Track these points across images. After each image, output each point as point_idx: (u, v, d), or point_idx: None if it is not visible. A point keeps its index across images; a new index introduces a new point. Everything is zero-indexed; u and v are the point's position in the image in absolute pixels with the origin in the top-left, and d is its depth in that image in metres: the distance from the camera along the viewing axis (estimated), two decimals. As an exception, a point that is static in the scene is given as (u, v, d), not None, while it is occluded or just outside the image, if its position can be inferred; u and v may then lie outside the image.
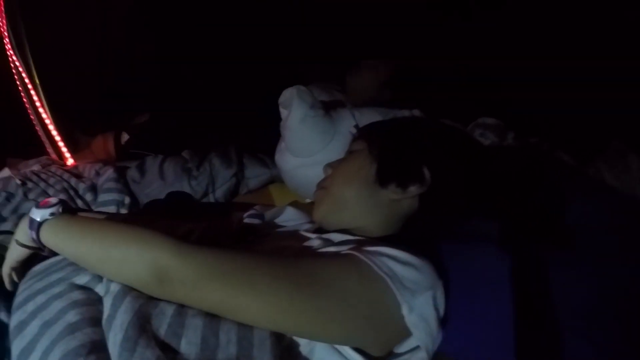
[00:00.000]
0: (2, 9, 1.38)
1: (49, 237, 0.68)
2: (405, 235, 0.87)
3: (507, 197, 1.06)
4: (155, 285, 0.60)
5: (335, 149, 1.15)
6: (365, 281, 0.65)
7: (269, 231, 0.92)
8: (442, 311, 0.68)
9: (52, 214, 0.69)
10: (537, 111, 1.63)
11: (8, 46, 1.45)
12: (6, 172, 1.38)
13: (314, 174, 1.17)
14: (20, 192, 1.23)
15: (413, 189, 0.81)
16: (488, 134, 1.32)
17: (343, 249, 0.73)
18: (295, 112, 1.15)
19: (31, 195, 1.22)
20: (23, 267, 0.77)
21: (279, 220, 1.00)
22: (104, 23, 1.89)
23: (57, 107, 1.66)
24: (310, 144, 1.15)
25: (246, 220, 0.98)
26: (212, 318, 0.61)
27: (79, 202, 1.22)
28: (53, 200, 0.71)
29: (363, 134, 0.94)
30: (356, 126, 1.17)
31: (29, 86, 1.47)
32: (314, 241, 0.80)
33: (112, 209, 1.20)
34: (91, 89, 1.85)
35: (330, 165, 0.92)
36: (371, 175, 0.84)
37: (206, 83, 1.81)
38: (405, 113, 1.22)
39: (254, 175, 1.32)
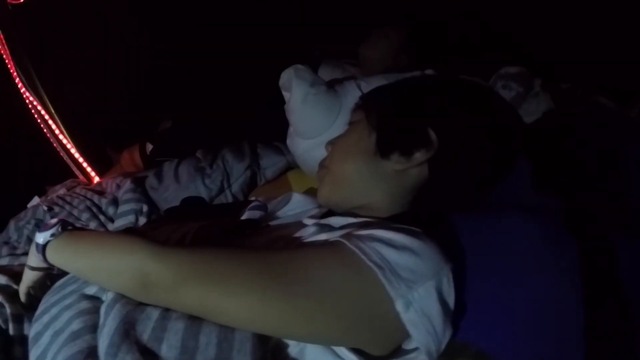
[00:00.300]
0: (7, 50, 1.40)
1: (53, 257, 0.69)
2: (418, 210, 0.76)
3: (539, 153, 0.92)
4: (140, 291, 0.60)
5: (343, 125, 1.05)
6: (351, 274, 0.56)
7: (269, 223, 0.84)
8: (452, 301, 0.58)
9: (52, 235, 0.69)
10: (565, 55, 1.45)
11: (20, 85, 1.48)
12: (35, 200, 1.41)
13: (324, 155, 1.08)
14: (48, 218, 1.24)
15: (418, 156, 0.70)
16: (512, 84, 1.17)
17: (336, 235, 0.64)
18: (296, 93, 1.06)
19: (58, 219, 1.23)
20: (42, 287, 0.77)
21: (284, 210, 0.92)
22: (117, 39, 1.89)
23: (79, 130, 1.69)
24: (316, 124, 1.06)
25: (247, 214, 0.91)
26: (194, 321, 0.58)
27: (102, 218, 1.20)
28: (53, 221, 0.71)
29: (361, 102, 0.84)
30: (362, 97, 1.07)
31: (46, 117, 1.50)
32: (309, 229, 0.71)
33: (130, 218, 1.17)
34: (113, 104, 1.85)
35: (331, 142, 0.83)
36: (371, 146, 0.74)
37: (222, 79, 1.75)
38: (416, 73, 1.09)
39: (270, 164, 1.25)
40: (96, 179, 1.50)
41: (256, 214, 0.92)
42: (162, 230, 0.88)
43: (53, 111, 1.49)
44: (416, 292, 0.54)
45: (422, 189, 0.74)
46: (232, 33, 1.89)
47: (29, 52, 1.51)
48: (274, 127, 1.33)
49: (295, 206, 0.92)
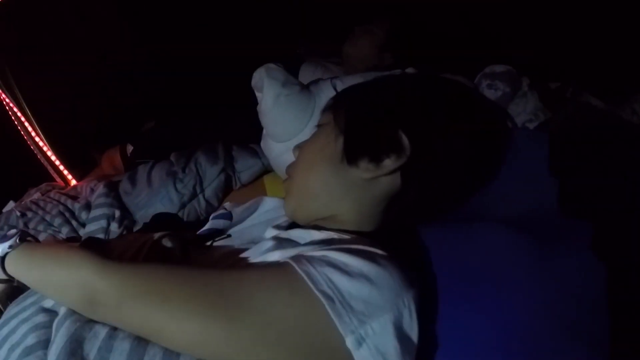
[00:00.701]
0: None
1: (10, 269, 0.65)
2: (390, 222, 0.68)
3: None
4: (87, 308, 0.57)
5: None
6: (297, 302, 0.49)
7: (231, 232, 0.76)
8: (415, 334, 0.50)
9: (10, 247, 0.65)
10: (554, 52, 1.35)
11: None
12: (10, 205, 1.33)
13: (297, 159, 1.00)
14: (20, 224, 1.16)
15: (389, 162, 0.62)
16: (498, 83, 1.07)
17: (290, 254, 0.56)
18: (267, 93, 0.98)
19: (31, 225, 1.14)
20: (10, 298, 0.72)
21: (253, 217, 0.84)
22: (97, 38, 1.80)
23: (59, 131, 1.62)
24: (288, 126, 0.97)
25: (210, 224, 0.82)
26: (140, 342, 0.55)
27: (74, 223, 1.13)
28: (12, 232, 0.68)
29: (329, 103, 0.75)
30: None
31: (22, 118, 1.42)
32: (266, 243, 0.63)
33: (102, 223, 1.09)
34: (94, 105, 1.76)
35: (298, 147, 0.75)
36: (337, 153, 0.66)
37: (205, 78, 1.67)
38: (397, 72, 1.00)
39: (245, 167, 1.16)
40: (73, 182, 1.42)
41: (219, 223, 0.84)
42: (123, 241, 0.80)
43: (29, 112, 1.41)
44: (370, 327, 0.47)
45: (394, 199, 0.66)
46: (215, 31, 1.80)
47: (6, 52, 1.44)
48: (252, 128, 1.25)
49: (264, 213, 0.84)
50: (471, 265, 0.64)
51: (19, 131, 1.41)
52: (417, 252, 0.69)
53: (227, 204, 1.15)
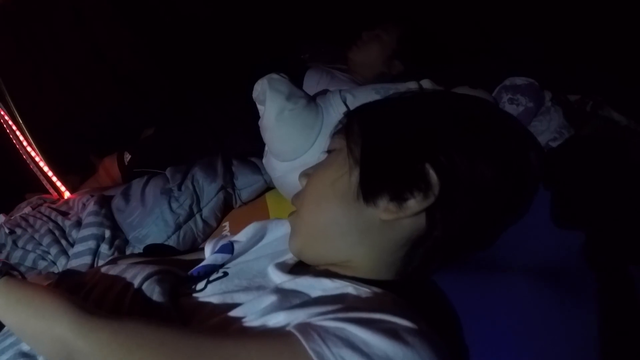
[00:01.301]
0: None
1: None
2: (411, 271, 0.56)
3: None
4: None
5: (325, 146, 0.84)
6: None
7: (226, 272, 0.63)
8: None
9: None
10: (572, 62, 1.21)
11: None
12: (0, 219, 1.21)
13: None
14: (9, 241, 1.03)
15: (413, 204, 0.50)
16: (520, 98, 0.94)
17: (297, 317, 0.45)
18: (270, 107, 0.84)
19: (20, 243, 1.01)
20: None
21: (256, 249, 0.71)
22: (97, 39, 1.63)
23: (53, 139, 1.48)
24: (293, 144, 0.84)
25: (209, 259, 0.69)
26: None
27: (64, 243, 0.99)
28: None
29: (342, 125, 0.62)
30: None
31: (14, 127, 1.28)
32: (267, 298, 0.50)
33: (91, 244, 0.95)
34: (91, 109, 1.59)
35: (305, 174, 0.62)
36: (352, 188, 0.53)
37: (208, 83, 1.54)
38: (412, 86, 0.87)
39: (246, 185, 1.01)
40: (67, 194, 1.29)
41: (218, 258, 0.71)
42: (107, 275, 0.68)
43: (20, 120, 1.27)
44: None
45: (417, 243, 0.53)
46: (218, 35, 1.66)
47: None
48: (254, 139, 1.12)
49: (269, 244, 0.71)
50: (497, 318, 0.57)
51: (10, 140, 1.29)
52: (438, 301, 0.58)
53: (226, 226, 1.03)
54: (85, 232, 1.00)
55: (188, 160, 1.29)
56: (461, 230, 0.54)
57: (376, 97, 0.87)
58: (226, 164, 1.03)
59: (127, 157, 1.37)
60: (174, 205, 0.96)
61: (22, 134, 1.28)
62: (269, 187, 1.03)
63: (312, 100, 0.87)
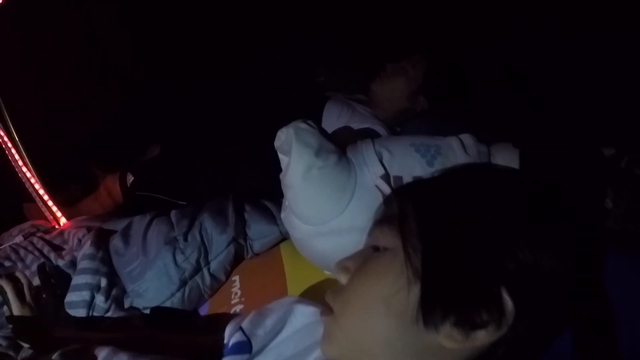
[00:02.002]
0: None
1: None
2: None
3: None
4: None
5: (358, 211, 0.67)
6: None
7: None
8: None
9: None
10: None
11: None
12: None
13: (331, 246, 0.70)
14: (-1, 275, 0.88)
15: (483, 336, 0.37)
16: None
17: None
18: (296, 164, 0.68)
19: (9, 279, 0.86)
20: None
21: (277, 343, 0.57)
22: (104, 45, 1.44)
23: (58, 147, 1.31)
24: (320, 208, 0.68)
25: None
26: None
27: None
28: None
29: (389, 213, 0.47)
30: (385, 176, 0.69)
31: (9, 145, 1.10)
32: None
33: (85, 295, 0.80)
34: (94, 120, 1.39)
35: (344, 268, 0.47)
36: (410, 307, 0.39)
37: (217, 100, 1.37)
38: (454, 145, 0.72)
39: (259, 235, 0.85)
40: (62, 220, 1.12)
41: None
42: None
43: (17, 139, 1.09)
44: None
45: None
46: (233, 49, 1.48)
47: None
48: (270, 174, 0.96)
49: (293, 336, 0.56)
50: None
51: (9, 161, 1.11)
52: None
53: (236, 281, 0.88)
54: (79, 279, 0.84)
55: (194, 192, 1.15)
56: (527, 344, 0.41)
57: (416, 155, 0.72)
58: (238, 209, 0.87)
59: (130, 178, 1.21)
60: (179, 258, 0.80)
61: (19, 154, 1.11)
62: (285, 237, 0.87)
63: (342, 155, 0.71)
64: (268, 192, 0.96)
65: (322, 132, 0.74)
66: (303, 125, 0.70)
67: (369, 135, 0.99)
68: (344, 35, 1.39)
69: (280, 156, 0.74)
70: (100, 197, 1.29)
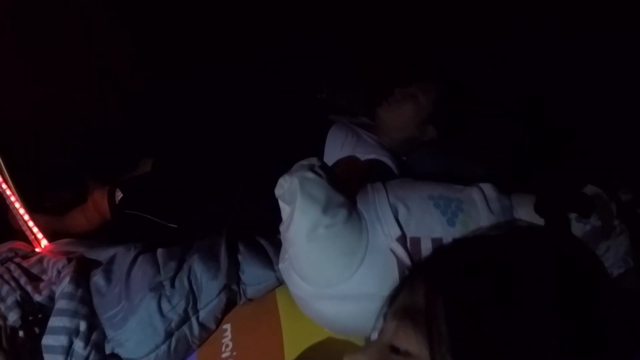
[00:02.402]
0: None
1: None
2: None
3: None
4: None
5: (369, 277, 0.57)
6: None
7: None
8: None
9: None
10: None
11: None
12: None
13: (336, 311, 0.59)
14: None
15: None
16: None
17: None
18: (301, 221, 0.57)
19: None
20: None
21: None
22: (101, 51, 1.24)
23: (48, 152, 1.18)
24: (326, 272, 0.57)
25: None
26: None
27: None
28: None
29: (418, 309, 0.37)
30: (401, 237, 0.59)
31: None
32: None
33: (62, 340, 0.68)
34: (87, 125, 1.23)
35: None
36: None
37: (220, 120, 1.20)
38: (477, 199, 0.62)
39: (254, 281, 0.73)
40: (44, 242, 1.00)
41: None
42: None
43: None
44: None
45: None
46: (233, 50, 1.34)
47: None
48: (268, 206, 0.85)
49: None
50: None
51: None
52: None
53: (227, 330, 0.77)
54: (56, 321, 0.72)
55: (186, 215, 1.04)
56: None
57: (436, 212, 0.61)
58: (231, 250, 0.75)
59: (119, 195, 1.08)
60: (165, 307, 0.68)
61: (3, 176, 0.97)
62: (281, 282, 0.75)
63: (353, 209, 0.60)
64: (264, 225, 0.85)
65: (331, 178, 0.64)
66: (310, 175, 0.59)
67: (377, 169, 0.90)
68: (344, 35, 1.28)
69: (281, 204, 0.64)
70: (87, 211, 1.14)
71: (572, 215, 0.72)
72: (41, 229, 1.04)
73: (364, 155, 0.93)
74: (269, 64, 1.24)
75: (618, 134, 1.02)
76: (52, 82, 1.28)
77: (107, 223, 1.15)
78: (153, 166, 1.16)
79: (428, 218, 0.60)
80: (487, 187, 0.68)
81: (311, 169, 0.60)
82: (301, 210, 0.57)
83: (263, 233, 0.83)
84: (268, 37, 1.29)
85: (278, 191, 0.62)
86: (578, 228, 0.73)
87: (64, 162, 1.32)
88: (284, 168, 0.82)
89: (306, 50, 1.30)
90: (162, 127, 1.23)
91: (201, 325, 0.71)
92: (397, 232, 0.58)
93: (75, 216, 1.17)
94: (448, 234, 0.61)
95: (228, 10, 1.28)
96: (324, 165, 0.65)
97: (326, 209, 0.58)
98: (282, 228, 0.62)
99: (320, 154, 0.98)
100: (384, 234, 0.58)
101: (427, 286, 0.40)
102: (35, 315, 0.78)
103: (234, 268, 0.74)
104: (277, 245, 0.76)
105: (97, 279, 0.78)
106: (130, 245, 0.83)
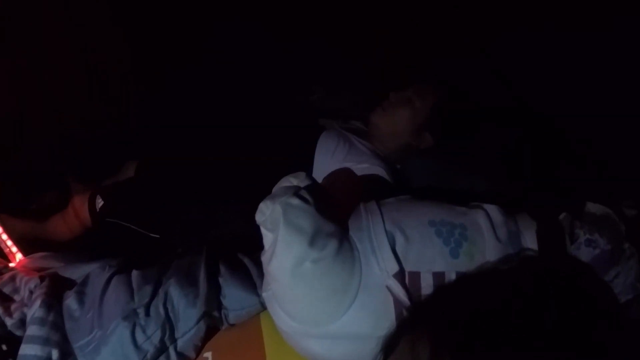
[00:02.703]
0: None
1: None
2: None
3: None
4: None
5: (361, 317, 0.49)
6: None
7: None
8: None
9: None
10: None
11: None
12: None
13: (324, 350, 0.50)
14: None
15: None
16: (598, 239, 0.63)
17: None
18: (284, 255, 0.49)
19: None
20: None
21: None
22: (91, 53, 1.10)
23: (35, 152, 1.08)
24: (313, 311, 0.49)
25: None
26: None
27: (4, 347, 0.66)
28: None
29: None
30: (399, 273, 0.51)
31: None
32: None
33: None
34: (74, 126, 1.11)
35: None
36: None
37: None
38: (482, 224, 0.54)
39: (236, 306, 0.65)
40: (18, 256, 0.90)
41: None
42: None
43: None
44: None
45: None
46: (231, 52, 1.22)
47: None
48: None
49: None
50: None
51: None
52: None
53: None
54: (27, 349, 0.64)
55: (168, 225, 0.96)
56: None
57: (437, 242, 0.53)
58: (211, 273, 0.66)
59: (100, 202, 0.99)
60: (140, 338, 0.60)
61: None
62: (265, 307, 0.65)
63: (344, 238, 0.52)
64: (249, 239, 0.78)
65: (318, 201, 0.55)
66: (294, 202, 0.50)
67: (371, 182, 0.80)
68: (344, 35, 1.17)
69: (263, 231, 0.55)
70: (67, 217, 1.03)
71: (582, 239, 0.67)
72: (21, 237, 0.97)
73: (356, 164, 0.83)
74: (263, 66, 1.14)
75: (618, 139, 0.95)
76: (31, 79, 1.19)
77: (88, 230, 1.07)
78: (137, 171, 1.06)
79: (429, 249, 0.52)
80: (493, 210, 0.60)
81: (296, 192, 0.52)
82: (285, 243, 0.49)
83: (247, 249, 0.73)
84: (265, 38, 1.19)
85: (259, 218, 0.53)
86: (587, 252, 0.66)
87: (46, 164, 1.23)
88: (272, 177, 0.75)
89: (305, 51, 1.20)
90: (148, 131, 1.15)
91: (179, 355, 0.63)
92: (394, 268, 0.49)
93: (56, 223, 1.07)
94: (451, 267, 0.53)
95: (221, 13, 1.17)
96: (310, 187, 0.56)
97: (313, 240, 0.49)
98: (263, 258, 0.55)
99: (310, 162, 0.89)
100: (380, 269, 0.50)
101: (432, 343, 0.33)
102: (7, 342, 0.71)
103: (215, 293, 0.66)
104: (259, 265, 0.67)
105: (70, 302, 0.69)
106: (105, 263, 0.74)
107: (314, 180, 0.64)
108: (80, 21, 1.17)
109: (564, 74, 0.97)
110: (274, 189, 0.63)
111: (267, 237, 0.54)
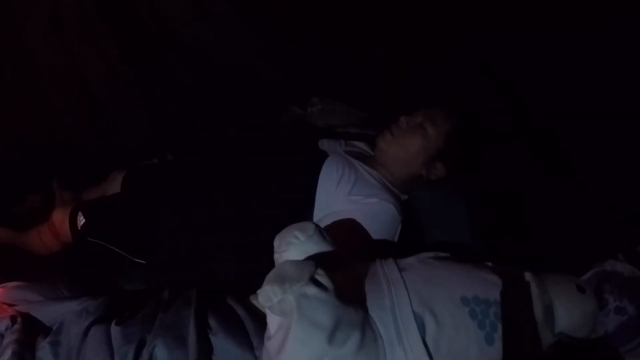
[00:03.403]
0: None
1: None
2: None
3: None
4: None
5: None
6: None
7: None
8: None
9: None
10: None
11: None
12: None
13: None
14: None
15: None
16: (627, 305, 0.54)
17: None
18: (296, 355, 0.37)
19: None
20: None
21: None
22: (78, 60, 0.95)
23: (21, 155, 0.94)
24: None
25: None
26: None
27: None
28: None
29: None
30: None
31: None
32: None
33: None
34: (62, 133, 0.99)
35: None
36: None
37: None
38: (496, 291, 0.45)
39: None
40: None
41: None
42: None
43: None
44: None
45: None
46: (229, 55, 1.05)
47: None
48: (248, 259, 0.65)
49: None
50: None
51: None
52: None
53: None
54: None
55: (153, 251, 0.81)
56: None
57: (472, 324, 0.43)
58: (200, 329, 0.53)
59: (81, 219, 0.82)
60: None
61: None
62: None
63: (367, 327, 0.40)
64: (242, 278, 0.64)
65: (338, 283, 0.41)
66: (311, 292, 0.38)
67: (381, 227, 0.67)
68: (344, 35, 1.03)
69: (269, 313, 0.42)
70: (43, 235, 0.85)
71: (611, 306, 0.58)
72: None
73: (364, 197, 0.70)
74: (258, 72, 0.99)
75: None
76: (15, 82, 1.00)
77: (67, 249, 0.92)
78: (123, 184, 0.89)
79: (462, 335, 0.42)
80: (527, 274, 0.50)
81: (311, 275, 0.39)
82: (299, 341, 0.37)
83: (240, 290, 0.61)
84: (261, 40, 1.03)
85: (264, 301, 0.41)
86: (615, 320, 0.59)
87: (29, 167, 1.07)
88: (269, 211, 0.63)
89: (305, 51, 1.05)
90: (136, 141, 0.99)
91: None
92: (423, 354, 0.39)
93: (32, 240, 0.90)
94: (485, 358, 0.44)
95: (214, 18, 1.00)
96: (324, 256, 0.45)
97: (333, 336, 0.38)
98: (268, 344, 0.43)
99: (312, 191, 0.74)
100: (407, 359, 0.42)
101: None
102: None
103: (205, 352, 0.52)
104: (257, 316, 0.56)
105: (44, 354, 0.56)
106: (82, 305, 0.61)
107: (322, 232, 0.52)
108: (67, 24, 0.99)
109: (565, 75, 0.87)
110: (276, 243, 0.51)
111: (274, 321, 0.42)
